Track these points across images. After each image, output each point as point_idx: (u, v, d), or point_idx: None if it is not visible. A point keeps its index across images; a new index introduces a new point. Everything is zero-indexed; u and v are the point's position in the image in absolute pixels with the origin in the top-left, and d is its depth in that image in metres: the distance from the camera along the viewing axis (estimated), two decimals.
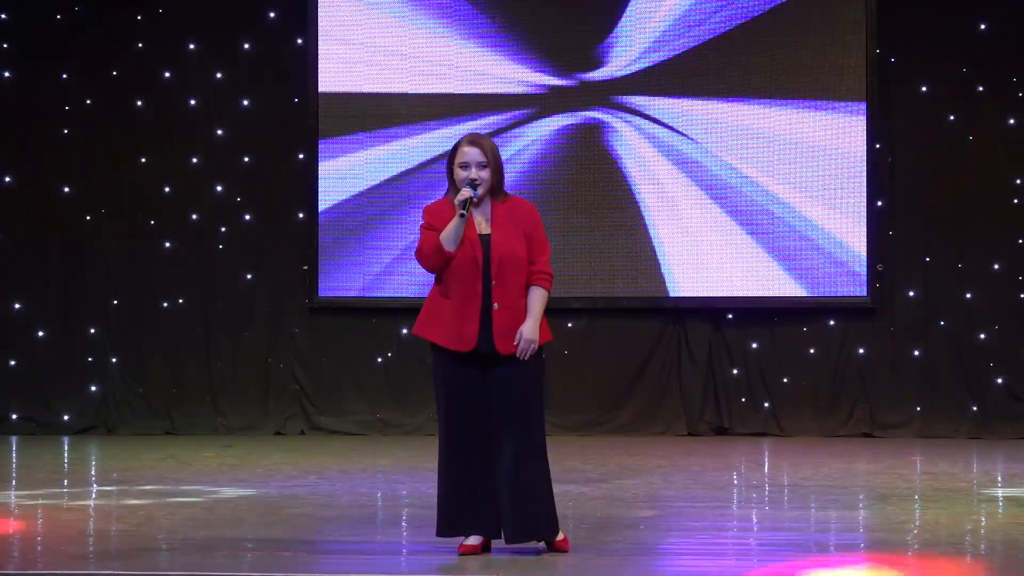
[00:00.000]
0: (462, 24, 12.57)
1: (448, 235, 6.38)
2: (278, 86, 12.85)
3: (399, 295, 12.63)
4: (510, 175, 12.41)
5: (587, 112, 12.48)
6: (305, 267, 12.75)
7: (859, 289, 12.31)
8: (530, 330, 6.41)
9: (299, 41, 12.78)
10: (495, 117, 12.57)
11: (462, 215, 6.34)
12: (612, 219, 12.45)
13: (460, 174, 6.47)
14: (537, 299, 6.47)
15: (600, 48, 12.48)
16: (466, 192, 6.40)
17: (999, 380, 12.40)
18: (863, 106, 12.24)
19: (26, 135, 12.92)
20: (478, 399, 6.50)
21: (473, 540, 6.52)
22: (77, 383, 12.84)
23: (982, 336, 12.42)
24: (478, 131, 12.49)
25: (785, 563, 6.49)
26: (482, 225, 6.50)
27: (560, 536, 6.55)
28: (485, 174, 6.45)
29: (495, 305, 6.40)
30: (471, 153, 6.47)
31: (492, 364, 6.46)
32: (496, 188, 6.52)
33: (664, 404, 12.57)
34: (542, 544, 6.53)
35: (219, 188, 12.89)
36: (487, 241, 6.45)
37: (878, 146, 12.34)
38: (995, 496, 8.87)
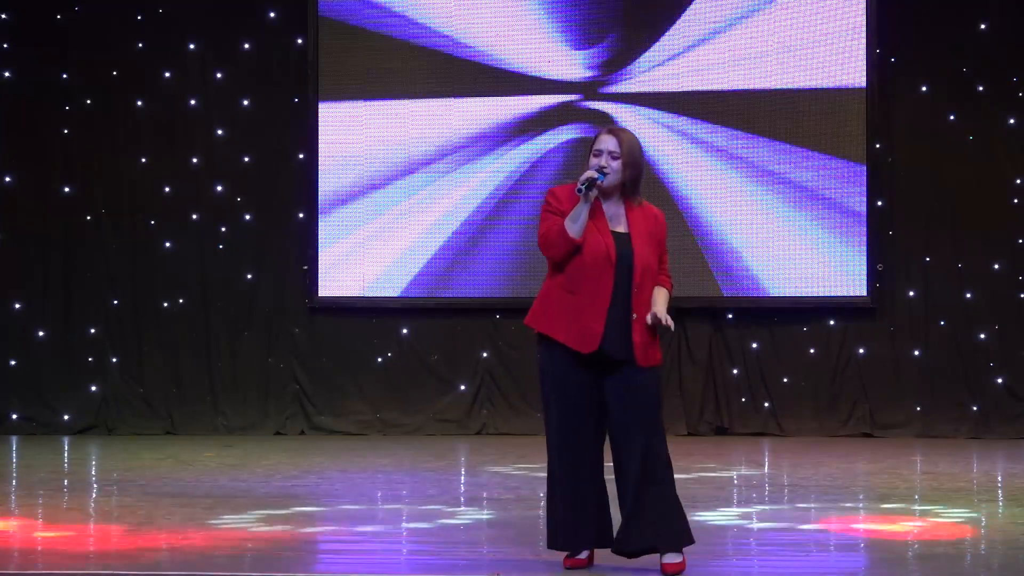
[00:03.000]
0: (465, 25, 12.57)
1: (574, 223, 6.10)
2: (278, 86, 12.86)
3: (399, 295, 12.65)
4: (513, 176, 12.56)
5: (586, 113, 12.47)
6: (305, 267, 12.75)
7: (859, 289, 12.32)
8: (663, 309, 6.14)
9: (299, 41, 12.79)
10: (498, 118, 12.57)
11: (578, 190, 6.09)
12: None
13: (591, 162, 6.20)
14: (664, 295, 6.21)
15: (597, 49, 12.48)
16: (590, 173, 6.14)
17: (999, 380, 12.40)
18: (863, 106, 12.24)
19: (26, 135, 12.93)
20: (592, 404, 6.16)
21: (582, 555, 6.23)
22: (77, 383, 12.84)
23: (982, 336, 12.41)
24: (482, 135, 12.63)
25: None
26: (617, 223, 6.21)
27: (675, 559, 6.14)
28: (616, 165, 6.17)
29: (634, 316, 6.09)
30: (605, 141, 6.22)
31: (609, 370, 6.14)
32: (629, 187, 6.24)
33: (664, 404, 12.56)
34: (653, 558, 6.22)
35: (219, 188, 12.89)
36: (624, 242, 6.16)
37: (878, 146, 12.34)
38: (995, 496, 8.87)
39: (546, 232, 6.20)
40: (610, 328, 6.10)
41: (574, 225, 6.12)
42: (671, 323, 6.12)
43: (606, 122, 12.41)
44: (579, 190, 6.11)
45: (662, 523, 6.14)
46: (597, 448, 6.23)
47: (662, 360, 6.28)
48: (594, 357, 6.13)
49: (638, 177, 6.27)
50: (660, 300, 6.20)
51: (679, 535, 6.17)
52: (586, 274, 6.12)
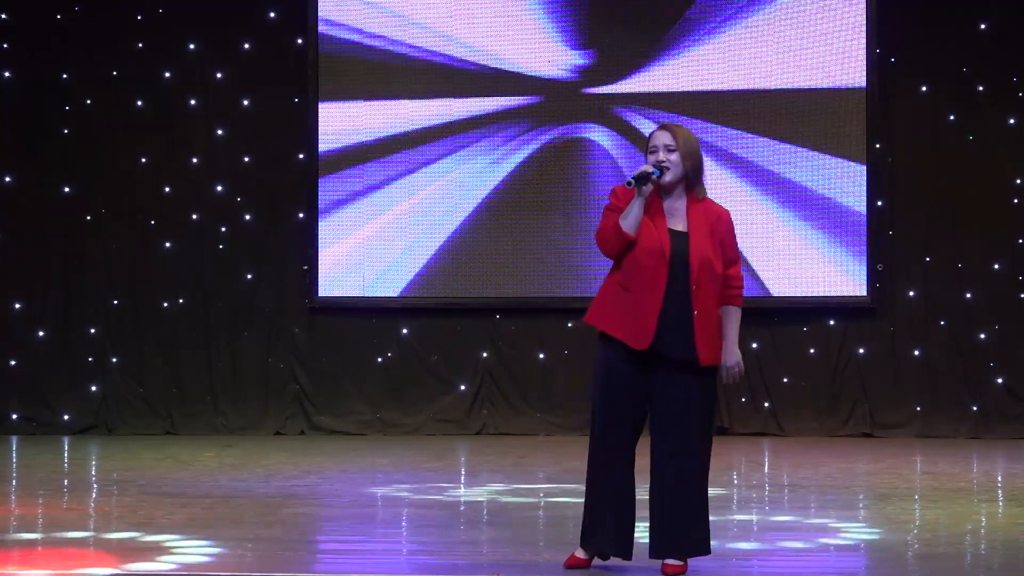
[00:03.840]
0: (464, 25, 12.56)
1: (628, 218, 6.03)
2: (278, 86, 12.85)
3: (399, 295, 12.65)
4: (513, 176, 12.56)
5: (587, 112, 12.47)
6: (305, 267, 12.75)
7: (859, 289, 12.32)
8: (731, 354, 6.21)
9: (299, 41, 12.78)
10: (497, 117, 12.57)
11: (628, 183, 6.00)
12: None
13: (648, 159, 6.11)
14: (735, 320, 6.24)
15: (597, 49, 12.49)
16: (645, 167, 6.04)
17: (999, 380, 12.39)
18: (863, 106, 12.24)
19: (26, 135, 12.93)
20: (639, 401, 6.12)
21: (582, 554, 6.20)
22: (77, 383, 12.84)
23: (982, 336, 12.41)
24: (481, 135, 12.62)
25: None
26: (676, 221, 6.11)
27: (681, 561, 6.12)
28: (675, 157, 6.08)
29: (696, 312, 6.04)
30: (659, 137, 6.13)
31: (663, 370, 6.08)
32: (691, 181, 6.14)
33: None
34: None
35: (219, 188, 12.89)
36: (682, 240, 6.07)
37: (878, 146, 12.34)
38: (995, 496, 8.87)
39: (602, 229, 6.14)
40: (664, 325, 6.02)
41: (626, 220, 6.05)
42: (734, 377, 6.21)
43: (607, 121, 12.42)
44: (628, 183, 6.04)
45: (686, 528, 6.11)
46: (627, 449, 6.18)
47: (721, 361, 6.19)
48: (649, 356, 6.05)
49: (699, 168, 6.17)
50: (731, 331, 6.23)
51: (695, 543, 6.12)
52: (640, 271, 6.05)
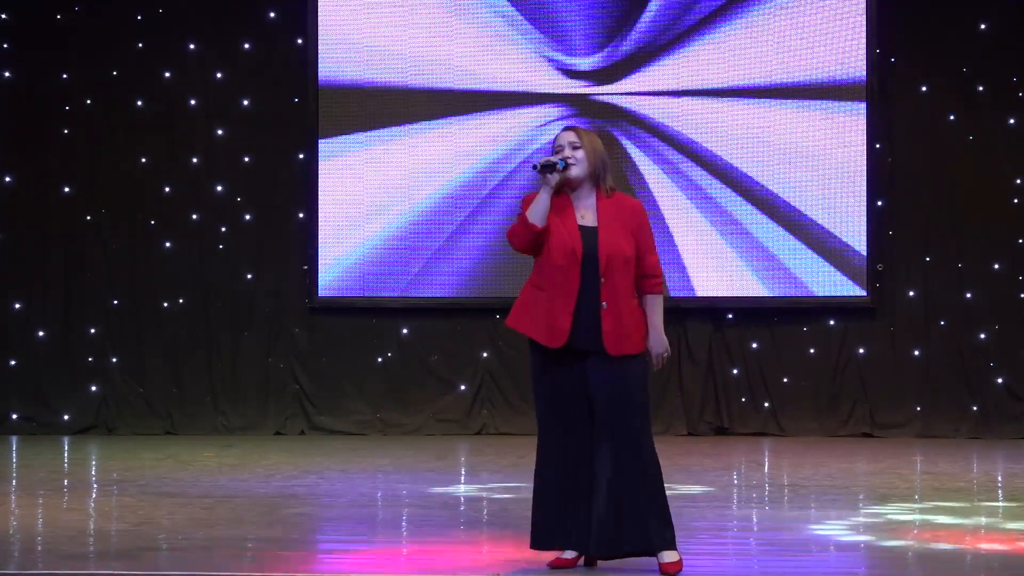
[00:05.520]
0: (463, 22, 12.57)
1: (534, 208, 6.14)
2: (278, 86, 12.86)
3: (399, 295, 12.65)
4: (513, 176, 12.56)
5: (584, 111, 12.47)
6: (305, 267, 12.75)
7: (859, 289, 12.32)
8: (658, 343, 6.18)
9: (299, 41, 12.79)
10: (496, 116, 12.57)
11: (533, 167, 6.16)
12: None
13: (554, 158, 6.23)
14: (657, 308, 6.21)
15: (593, 50, 12.49)
16: (552, 158, 6.19)
17: (999, 380, 12.40)
18: (863, 106, 12.25)
19: (26, 135, 12.92)
20: (576, 399, 6.13)
21: (568, 554, 6.20)
22: (77, 383, 12.84)
23: (982, 336, 12.42)
24: (481, 135, 12.62)
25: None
26: (585, 217, 6.19)
27: (671, 558, 6.10)
28: (580, 155, 6.20)
29: (604, 304, 6.06)
30: (564, 136, 6.26)
31: (589, 364, 6.10)
32: (599, 178, 6.23)
33: (664, 404, 12.56)
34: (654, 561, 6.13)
35: (219, 188, 12.89)
36: (592, 235, 6.12)
37: (878, 146, 12.35)
38: (995, 496, 8.87)
39: (512, 226, 6.23)
40: (579, 323, 6.08)
41: (533, 211, 6.15)
42: (663, 361, 6.19)
43: (607, 122, 12.42)
44: (534, 166, 6.17)
45: (648, 524, 6.08)
46: (576, 445, 6.16)
47: (643, 348, 6.19)
48: (571, 353, 6.10)
49: (604, 165, 6.27)
50: (655, 317, 6.19)
51: (653, 540, 6.09)
52: (553, 270, 6.12)
